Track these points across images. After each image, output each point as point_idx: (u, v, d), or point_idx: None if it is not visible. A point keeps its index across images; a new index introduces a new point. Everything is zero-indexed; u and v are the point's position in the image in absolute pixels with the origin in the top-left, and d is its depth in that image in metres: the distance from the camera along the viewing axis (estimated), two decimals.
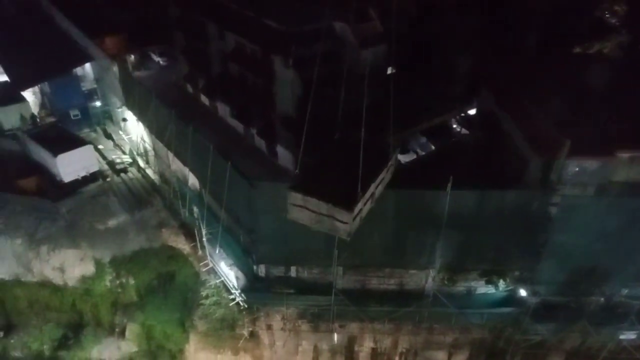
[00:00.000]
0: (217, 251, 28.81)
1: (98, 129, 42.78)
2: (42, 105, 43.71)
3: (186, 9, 34.04)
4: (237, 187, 25.66)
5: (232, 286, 27.94)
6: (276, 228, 24.25)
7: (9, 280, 31.11)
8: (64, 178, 34.48)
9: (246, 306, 27.29)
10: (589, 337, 25.92)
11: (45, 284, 30.96)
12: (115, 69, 37.34)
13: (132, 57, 40.49)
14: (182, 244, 31.42)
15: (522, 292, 26.27)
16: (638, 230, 23.02)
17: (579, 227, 22.89)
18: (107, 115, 43.52)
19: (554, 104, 24.92)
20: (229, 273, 28.65)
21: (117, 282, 30.36)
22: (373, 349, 28.10)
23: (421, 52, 28.91)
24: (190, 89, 37.76)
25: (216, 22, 31.27)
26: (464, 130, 32.15)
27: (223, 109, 34.14)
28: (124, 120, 40.12)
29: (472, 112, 32.39)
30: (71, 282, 30.70)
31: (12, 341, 31.48)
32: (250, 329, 27.52)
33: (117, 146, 40.89)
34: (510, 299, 26.51)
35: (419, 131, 30.76)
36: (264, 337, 27.85)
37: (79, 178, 34.96)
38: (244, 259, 28.41)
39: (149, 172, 37.86)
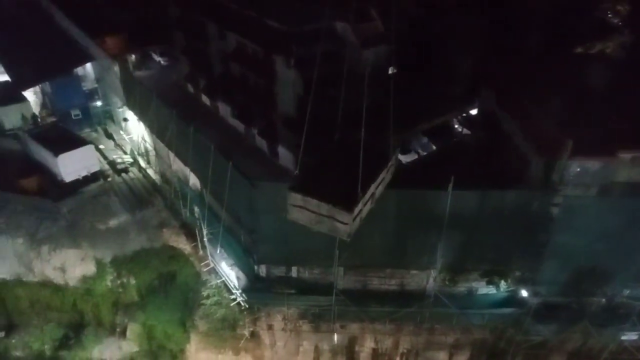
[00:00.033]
0: (218, 251, 28.79)
1: (99, 128, 42.85)
2: (43, 105, 43.84)
3: (186, 9, 34.00)
4: (238, 187, 25.61)
5: (233, 286, 27.94)
6: (277, 228, 24.17)
7: (10, 280, 31.15)
8: (65, 178, 34.53)
9: (247, 306, 27.29)
10: (590, 337, 25.86)
11: (46, 284, 30.99)
12: (116, 68, 37.35)
13: (133, 57, 40.42)
14: (183, 244, 31.45)
15: (524, 293, 26.17)
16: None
17: (580, 228, 22.77)
18: (108, 115, 43.57)
19: (555, 104, 24.77)
20: (230, 273, 28.64)
21: (118, 282, 30.39)
22: (374, 350, 28.08)
23: (422, 52, 28.90)
24: (191, 88, 37.70)
25: (217, 22, 31.24)
26: (465, 131, 32.02)
27: (224, 109, 34.09)
28: (125, 120, 40.17)
29: (474, 112, 32.24)
30: (72, 282, 30.73)
31: (13, 341, 31.51)
32: (251, 329, 27.54)
33: (118, 146, 40.93)
34: (512, 300, 26.41)
35: (420, 131, 30.67)
36: (265, 337, 27.87)
37: (80, 178, 35.01)
38: (245, 259, 28.36)
39: (150, 172, 37.88)
